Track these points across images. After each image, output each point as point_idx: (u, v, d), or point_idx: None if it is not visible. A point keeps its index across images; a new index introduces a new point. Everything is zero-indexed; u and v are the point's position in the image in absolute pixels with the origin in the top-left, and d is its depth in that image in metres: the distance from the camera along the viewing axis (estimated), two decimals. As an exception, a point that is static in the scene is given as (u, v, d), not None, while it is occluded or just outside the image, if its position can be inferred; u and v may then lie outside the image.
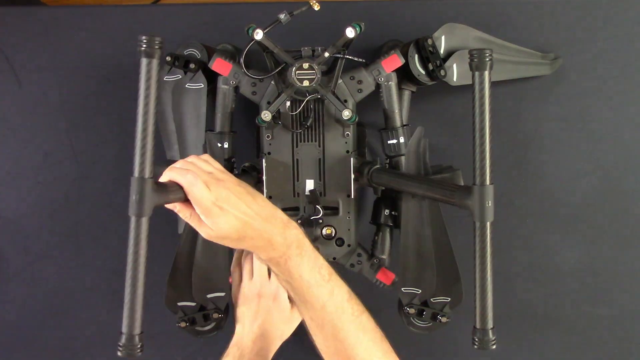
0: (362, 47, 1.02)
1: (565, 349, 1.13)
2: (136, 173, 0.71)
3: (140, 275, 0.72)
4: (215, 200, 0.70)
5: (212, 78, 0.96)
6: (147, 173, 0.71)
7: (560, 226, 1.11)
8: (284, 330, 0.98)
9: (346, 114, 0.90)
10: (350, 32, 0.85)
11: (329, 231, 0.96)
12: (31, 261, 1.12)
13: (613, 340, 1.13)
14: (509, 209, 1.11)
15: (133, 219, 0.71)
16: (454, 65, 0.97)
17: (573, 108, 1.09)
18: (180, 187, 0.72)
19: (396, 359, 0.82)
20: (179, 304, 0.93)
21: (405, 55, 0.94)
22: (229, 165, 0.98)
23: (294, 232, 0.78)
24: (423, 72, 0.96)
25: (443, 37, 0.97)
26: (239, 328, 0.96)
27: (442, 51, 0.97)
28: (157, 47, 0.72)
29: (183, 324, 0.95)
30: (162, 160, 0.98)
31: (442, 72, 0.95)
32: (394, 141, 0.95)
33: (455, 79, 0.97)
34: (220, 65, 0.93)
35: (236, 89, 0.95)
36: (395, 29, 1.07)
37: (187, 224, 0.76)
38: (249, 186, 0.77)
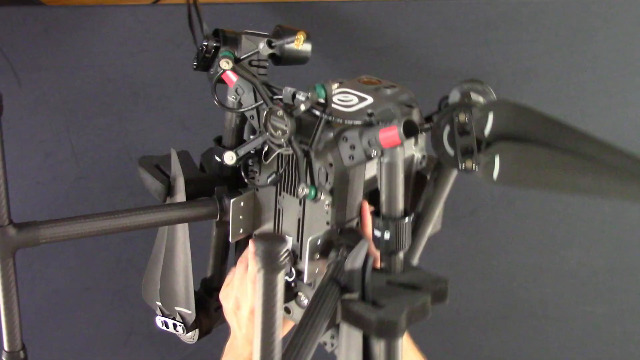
0: (363, 48, 1.02)
1: (565, 348, 1.14)
2: None
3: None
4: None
5: None
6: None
7: (560, 226, 1.12)
8: (242, 353, 0.84)
9: (300, 190, 0.69)
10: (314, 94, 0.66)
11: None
12: (31, 261, 1.12)
13: (612, 339, 1.13)
14: (509, 209, 1.11)
15: None
16: (497, 158, 0.58)
17: (573, 108, 1.09)
18: None
19: None
20: (157, 302, 0.91)
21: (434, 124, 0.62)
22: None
23: None
24: (451, 152, 0.61)
25: (491, 115, 0.59)
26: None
27: (486, 133, 0.59)
28: None
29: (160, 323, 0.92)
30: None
31: (470, 164, 0.60)
32: (379, 234, 0.64)
33: (495, 175, 0.59)
34: (228, 76, 0.78)
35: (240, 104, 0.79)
36: (396, 30, 1.07)
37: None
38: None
